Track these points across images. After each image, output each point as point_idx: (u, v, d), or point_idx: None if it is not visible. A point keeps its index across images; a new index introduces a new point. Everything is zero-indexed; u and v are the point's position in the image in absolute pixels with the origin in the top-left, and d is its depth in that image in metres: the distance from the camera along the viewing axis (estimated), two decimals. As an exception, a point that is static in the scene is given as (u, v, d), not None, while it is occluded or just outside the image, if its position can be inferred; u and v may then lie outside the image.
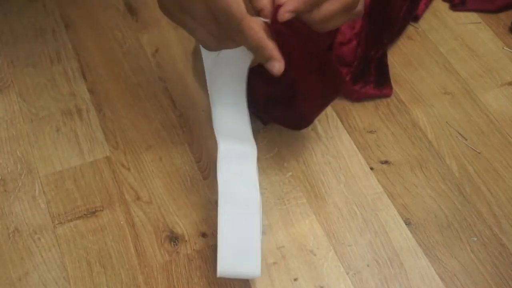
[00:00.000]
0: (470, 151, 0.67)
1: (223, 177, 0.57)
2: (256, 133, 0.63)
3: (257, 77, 0.59)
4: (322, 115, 0.70)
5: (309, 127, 0.69)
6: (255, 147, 0.60)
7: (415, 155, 0.67)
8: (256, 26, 0.52)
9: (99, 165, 0.65)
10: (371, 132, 0.69)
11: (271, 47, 0.53)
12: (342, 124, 0.69)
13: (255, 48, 0.53)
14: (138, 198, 0.63)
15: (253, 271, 0.55)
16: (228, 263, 0.54)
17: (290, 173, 0.65)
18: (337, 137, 0.68)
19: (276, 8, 0.52)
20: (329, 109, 0.70)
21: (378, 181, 0.65)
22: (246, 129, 0.61)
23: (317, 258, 0.59)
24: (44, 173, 0.64)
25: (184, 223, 0.61)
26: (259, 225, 0.56)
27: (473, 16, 0.81)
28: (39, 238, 0.60)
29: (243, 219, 0.56)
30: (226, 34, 0.53)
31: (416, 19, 0.79)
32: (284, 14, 0.51)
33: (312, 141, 0.68)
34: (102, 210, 0.62)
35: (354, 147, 0.67)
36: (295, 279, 0.58)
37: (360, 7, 0.55)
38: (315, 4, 0.52)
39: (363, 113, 0.70)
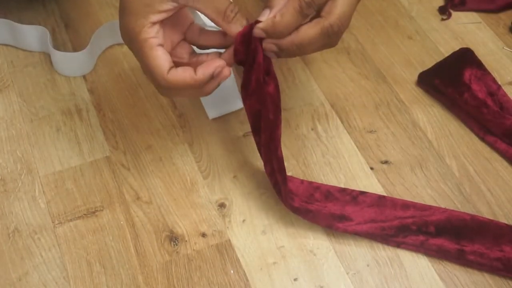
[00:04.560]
0: (470, 151, 0.67)
1: None
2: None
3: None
4: (322, 115, 0.70)
5: (309, 127, 0.69)
6: None
7: (415, 155, 0.67)
8: (179, 74, 0.52)
9: (99, 165, 0.65)
10: (371, 132, 0.69)
11: (200, 74, 0.53)
12: (342, 124, 0.69)
13: (195, 88, 0.54)
14: (138, 198, 0.63)
15: (236, 104, 0.69)
16: (214, 105, 0.68)
17: (290, 173, 0.64)
18: (337, 137, 0.68)
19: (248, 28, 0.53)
20: (329, 109, 0.70)
21: (378, 181, 0.65)
22: None
23: (317, 258, 0.59)
24: (44, 173, 0.64)
25: (184, 223, 0.61)
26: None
27: (473, 16, 0.81)
28: (39, 238, 0.60)
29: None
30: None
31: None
32: (255, 30, 0.52)
33: (312, 141, 0.68)
34: (102, 210, 0.62)
35: (354, 147, 0.67)
36: (295, 279, 0.58)
37: (345, 29, 0.54)
38: (290, 26, 0.52)
39: (363, 113, 0.70)
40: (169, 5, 0.52)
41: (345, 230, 0.59)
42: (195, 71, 0.53)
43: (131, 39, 0.53)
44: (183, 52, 0.56)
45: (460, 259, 0.58)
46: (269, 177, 0.60)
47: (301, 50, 0.53)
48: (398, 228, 0.59)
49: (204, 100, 0.68)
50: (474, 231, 0.59)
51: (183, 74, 0.52)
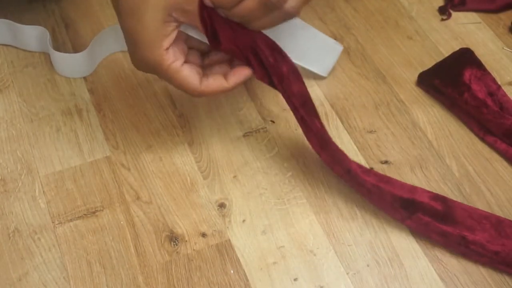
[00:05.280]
0: (470, 151, 0.67)
1: None
2: (255, 132, 0.63)
3: None
4: (322, 115, 0.70)
5: (309, 127, 0.69)
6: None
7: (415, 155, 0.67)
8: (212, 85, 0.57)
9: (99, 165, 0.65)
10: (371, 132, 0.69)
11: (232, 82, 0.57)
12: (342, 124, 0.69)
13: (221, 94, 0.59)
14: (138, 198, 0.63)
15: (337, 48, 0.70)
16: (321, 63, 0.68)
17: (290, 173, 0.65)
18: (337, 137, 0.68)
19: None
20: (329, 109, 0.70)
21: (378, 181, 0.65)
22: None
23: (317, 258, 0.59)
24: (44, 173, 0.64)
25: (184, 223, 0.61)
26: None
27: (473, 16, 0.81)
28: (39, 238, 0.60)
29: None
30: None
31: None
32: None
33: (312, 141, 0.68)
34: (102, 210, 0.62)
35: (354, 147, 0.67)
36: (295, 279, 0.58)
37: (290, 4, 0.54)
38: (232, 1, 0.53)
39: (363, 113, 0.70)
40: (172, 26, 0.54)
41: (356, 173, 0.60)
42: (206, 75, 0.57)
43: (155, 69, 0.56)
44: (195, 57, 0.59)
45: (461, 245, 0.58)
46: (302, 108, 0.60)
47: (249, 22, 0.55)
48: (408, 200, 0.59)
49: (309, 65, 0.68)
50: (475, 223, 0.59)
51: (216, 84, 0.57)
